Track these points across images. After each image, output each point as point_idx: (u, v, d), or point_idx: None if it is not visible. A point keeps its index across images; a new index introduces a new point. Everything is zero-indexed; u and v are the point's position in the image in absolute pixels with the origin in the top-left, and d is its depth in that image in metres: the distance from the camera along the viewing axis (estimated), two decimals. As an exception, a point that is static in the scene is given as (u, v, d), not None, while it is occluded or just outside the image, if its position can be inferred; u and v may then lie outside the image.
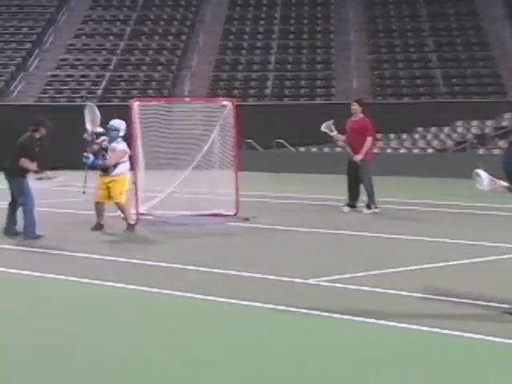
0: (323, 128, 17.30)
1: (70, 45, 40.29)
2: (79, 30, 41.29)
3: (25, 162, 13.45)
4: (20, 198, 13.51)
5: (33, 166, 13.56)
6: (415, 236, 13.43)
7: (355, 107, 17.14)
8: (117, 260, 11.40)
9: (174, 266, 10.80)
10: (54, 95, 37.06)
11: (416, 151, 31.13)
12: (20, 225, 13.50)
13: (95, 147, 14.24)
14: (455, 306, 8.27)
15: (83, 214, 16.40)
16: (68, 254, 11.94)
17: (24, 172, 13.58)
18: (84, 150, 14.16)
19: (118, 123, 14.23)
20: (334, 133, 17.26)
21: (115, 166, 14.13)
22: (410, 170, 27.78)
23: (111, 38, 40.86)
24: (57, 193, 21.32)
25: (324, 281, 9.60)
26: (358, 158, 16.59)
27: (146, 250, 12.70)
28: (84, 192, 14.52)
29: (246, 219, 15.64)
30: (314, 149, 33.05)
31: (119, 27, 41.43)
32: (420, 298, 8.66)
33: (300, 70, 38.63)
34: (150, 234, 14.24)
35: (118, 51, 39.75)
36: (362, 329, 7.52)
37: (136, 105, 15.34)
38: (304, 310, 8.07)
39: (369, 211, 16.57)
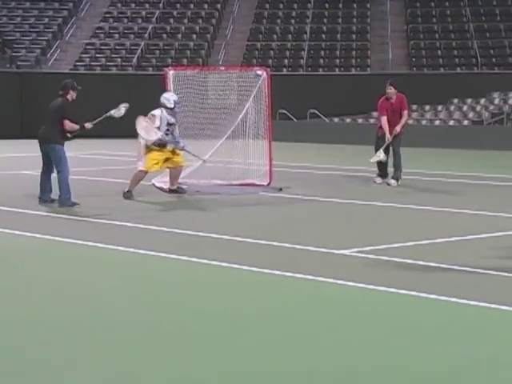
0: (373, 160, 16.94)
1: (106, 13, 40.32)
2: (114, -2, 41.33)
3: (68, 124, 13.32)
4: (56, 165, 13.45)
5: (76, 126, 13.44)
6: (456, 208, 13.33)
7: (391, 91, 16.84)
8: (160, 230, 11.36)
9: (217, 236, 10.71)
10: (90, 63, 37.19)
11: (451, 123, 30.94)
12: (55, 192, 13.57)
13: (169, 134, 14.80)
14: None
15: (118, 182, 16.52)
16: (102, 221, 12.02)
17: (61, 138, 13.48)
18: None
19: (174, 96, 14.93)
20: (382, 155, 16.87)
21: None
22: (445, 142, 27.68)
23: (146, 6, 40.79)
24: (93, 161, 21.57)
25: (358, 251, 9.59)
26: (398, 128, 16.52)
27: (184, 219, 12.57)
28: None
29: (280, 189, 15.63)
30: (348, 119, 33.00)
31: (155, -5, 41.36)
32: (458, 270, 8.62)
33: (335, 39, 38.34)
34: (186, 203, 14.31)
35: (153, 20, 39.69)
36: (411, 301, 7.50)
37: (171, 73, 15.33)
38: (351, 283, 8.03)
39: (396, 183, 16.55)
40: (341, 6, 40.32)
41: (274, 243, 10.15)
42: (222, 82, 15.70)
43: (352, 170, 20.00)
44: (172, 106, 14.74)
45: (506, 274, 8.29)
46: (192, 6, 40.91)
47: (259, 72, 16.20)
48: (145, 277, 8.55)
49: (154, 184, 16.35)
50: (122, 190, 14.57)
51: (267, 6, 40.95)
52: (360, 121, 32.19)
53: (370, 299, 7.52)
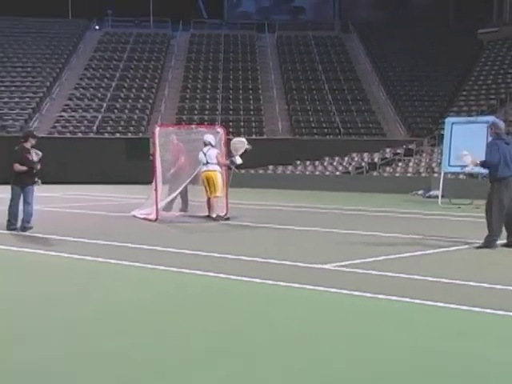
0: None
1: (71, 94, 39.12)
2: (77, 84, 40.14)
3: (17, 167, 11.87)
4: (25, 198, 12.18)
5: (22, 168, 11.80)
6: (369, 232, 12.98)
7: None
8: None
9: (215, 254, 9.66)
10: (61, 130, 35.89)
11: (327, 173, 31.19)
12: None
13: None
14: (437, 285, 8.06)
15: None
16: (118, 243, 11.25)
17: (18, 179, 11.98)
18: None
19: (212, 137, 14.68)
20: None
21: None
22: (324, 187, 27.82)
23: (101, 90, 39.84)
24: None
25: (339, 266, 8.85)
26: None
27: (172, 240, 11.79)
28: None
29: (227, 219, 14.74)
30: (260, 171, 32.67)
31: (107, 82, 40.47)
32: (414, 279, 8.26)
33: (239, 115, 38.36)
34: (169, 229, 13.51)
35: (107, 99, 38.78)
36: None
37: (157, 129, 14.65)
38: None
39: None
40: (241, 92, 40.42)
41: (272, 261, 8.85)
42: (192, 137, 14.93)
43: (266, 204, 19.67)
44: (214, 143, 14.49)
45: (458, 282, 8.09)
46: (134, 90, 40.19)
47: (219, 129, 15.79)
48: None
49: (134, 215, 15.53)
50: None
51: (188, 91, 40.68)
52: (261, 171, 32.00)
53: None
